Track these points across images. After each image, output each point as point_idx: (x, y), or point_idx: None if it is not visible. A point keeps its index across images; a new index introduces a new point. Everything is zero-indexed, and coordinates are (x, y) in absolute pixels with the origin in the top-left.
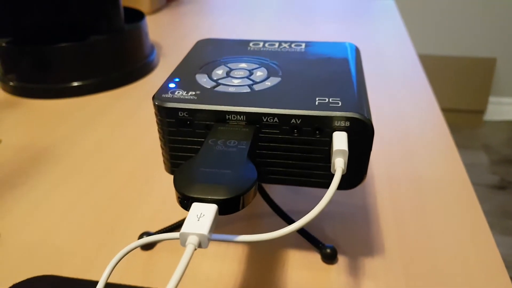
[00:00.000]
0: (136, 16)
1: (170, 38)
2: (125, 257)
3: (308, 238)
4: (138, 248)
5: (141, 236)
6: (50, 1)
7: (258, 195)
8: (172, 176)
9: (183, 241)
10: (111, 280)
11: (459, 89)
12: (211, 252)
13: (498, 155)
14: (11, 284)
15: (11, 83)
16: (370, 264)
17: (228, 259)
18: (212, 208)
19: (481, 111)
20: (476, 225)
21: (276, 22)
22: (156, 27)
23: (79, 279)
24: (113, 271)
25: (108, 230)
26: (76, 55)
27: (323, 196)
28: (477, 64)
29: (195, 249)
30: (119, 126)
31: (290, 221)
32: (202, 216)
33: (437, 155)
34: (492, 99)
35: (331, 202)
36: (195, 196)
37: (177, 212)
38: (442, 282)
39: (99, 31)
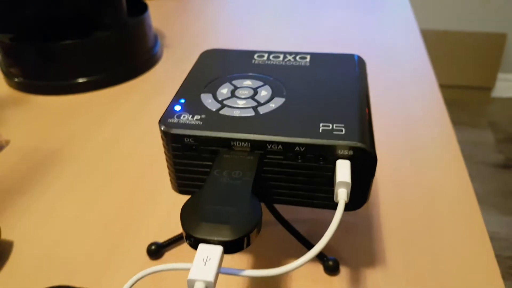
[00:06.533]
0: (139, 5)
1: (173, 27)
2: (133, 265)
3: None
4: (147, 257)
5: (149, 247)
6: None
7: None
8: None
9: (190, 287)
10: None
11: (468, 65)
12: None
13: (505, 134)
14: None
15: (16, 79)
16: (373, 276)
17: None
18: (218, 250)
19: (489, 88)
20: (477, 236)
21: (284, 10)
22: (159, 14)
23: None
24: (121, 281)
25: (117, 239)
26: (80, 51)
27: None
28: (487, 40)
29: None
30: (127, 124)
31: (305, 242)
32: (208, 260)
33: (444, 163)
34: (501, 75)
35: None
36: (201, 237)
37: None
38: None
39: (101, 26)
